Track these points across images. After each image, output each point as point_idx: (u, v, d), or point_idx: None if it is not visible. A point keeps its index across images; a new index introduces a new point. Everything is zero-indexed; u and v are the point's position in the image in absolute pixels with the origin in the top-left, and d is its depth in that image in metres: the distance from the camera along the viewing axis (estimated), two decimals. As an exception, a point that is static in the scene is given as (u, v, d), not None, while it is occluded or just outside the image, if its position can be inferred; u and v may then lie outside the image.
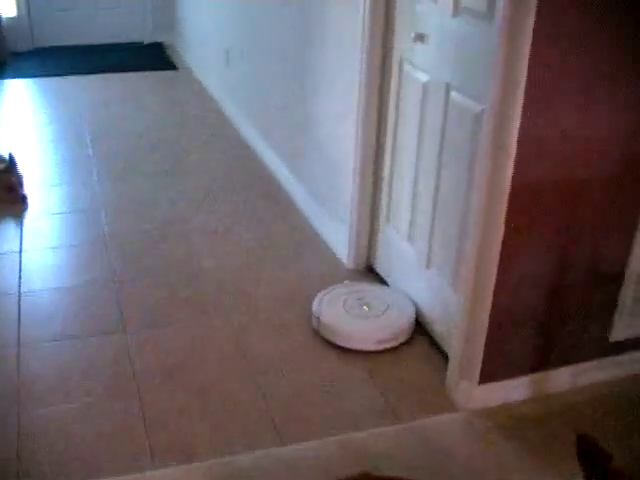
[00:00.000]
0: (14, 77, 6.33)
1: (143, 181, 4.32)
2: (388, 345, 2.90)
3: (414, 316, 3.01)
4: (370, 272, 3.42)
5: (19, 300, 3.16)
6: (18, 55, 6.88)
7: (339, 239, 3.52)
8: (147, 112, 5.52)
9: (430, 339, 2.97)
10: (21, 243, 3.63)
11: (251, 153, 4.75)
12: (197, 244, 3.65)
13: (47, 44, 7.11)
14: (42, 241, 3.67)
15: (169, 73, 6.57)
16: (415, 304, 3.05)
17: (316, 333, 2.98)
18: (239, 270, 3.45)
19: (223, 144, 4.92)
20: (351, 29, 3.16)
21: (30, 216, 3.93)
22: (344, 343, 2.90)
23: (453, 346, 2.66)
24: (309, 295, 3.14)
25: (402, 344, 2.93)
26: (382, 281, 3.32)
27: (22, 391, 2.63)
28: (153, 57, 6.99)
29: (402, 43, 2.95)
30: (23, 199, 4.03)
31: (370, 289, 3.19)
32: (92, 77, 6.38)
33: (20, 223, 3.84)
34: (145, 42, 7.37)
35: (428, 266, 2.95)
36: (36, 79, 6.32)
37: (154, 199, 4.08)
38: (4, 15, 6.76)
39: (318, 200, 3.76)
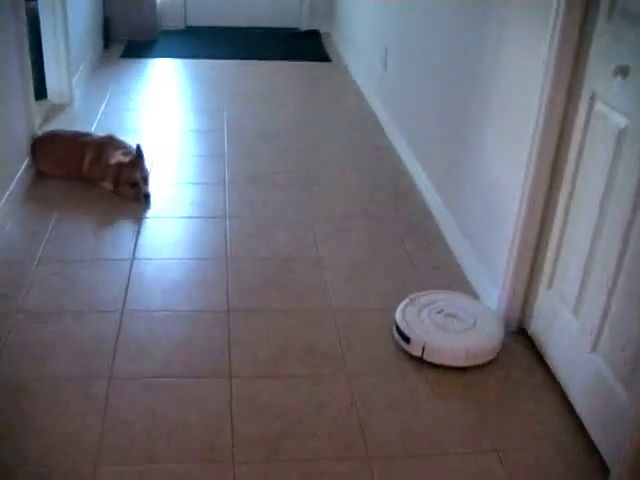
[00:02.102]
0: (162, 56, 6.07)
1: (274, 192, 3.87)
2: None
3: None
4: (521, 335, 2.85)
5: (120, 322, 2.78)
6: (169, 33, 6.64)
7: (490, 291, 2.96)
8: (292, 109, 5.08)
9: (581, 429, 2.36)
10: (134, 250, 3.26)
11: (400, 171, 4.21)
12: (325, 278, 3.15)
13: (199, 24, 6.85)
14: (157, 249, 3.30)
15: (322, 65, 6.12)
16: (567, 387, 2.50)
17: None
18: (373, 313, 2.93)
19: (370, 157, 4.40)
20: (533, 54, 2.57)
21: (150, 218, 3.56)
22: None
23: (619, 461, 2.07)
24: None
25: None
26: (534, 347, 2.76)
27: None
28: (308, 46, 6.57)
29: (596, 77, 2.35)
30: (146, 197, 3.68)
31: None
32: (241, 63, 6.04)
33: (138, 226, 3.48)
34: (301, 29, 6.96)
35: (594, 349, 2.36)
36: (185, 60, 6.03)
37: (283, 216, 3.63)
38: (159, -8, 6.52)
39: (471, 242, 3.20)
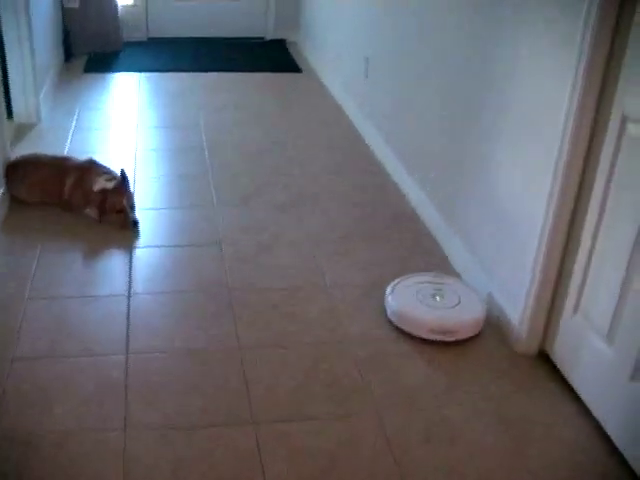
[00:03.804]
0: (127, 70, 5.85)
1: (267, 212, 3.72)
2: None
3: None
4: (542, 358, 2.76)
5: (126, 365, 2.59)
6: (132, 45, 6.41)
7: (507, 315, 2.87)
8: (268, 122, 4.93)
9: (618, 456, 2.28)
10: (129, 284, 3.07)
11: (392, 186, 4.09)
12: (335, 305, 3.01)
13: (162, 35, 6.65)
14: (152, 282, 3.12)
15: (293, 76, 5.98)
16: (602, 415, 2.43)
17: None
18: (387, 343, 2.80)
19: (358, 171, 4.27)
20: (557, 68, 2.47)
21: (140, 248, 3.37)
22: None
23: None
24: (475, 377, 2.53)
25: None
26: (557, 371, 2.67)
27: None
28: (275, 56, 6.41)
29: (628, 96, 2.26)
30: (134, 225, 3.48)
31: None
32: (208, 75, 5.85)
33: (129, 256, 3.29)
34: (267, 38, 6.80)
35: (634, 377, 2.27)
36: (149, 74, 5.82)
37: (280, 239, 3.48)
38: (121, 3, 6.28)
39: (481, 263, 3.09)
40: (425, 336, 2.79)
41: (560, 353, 2.70)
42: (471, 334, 2.84)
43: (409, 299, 2.90)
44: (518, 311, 2.78)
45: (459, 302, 2.90)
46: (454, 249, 3.35)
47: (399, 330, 2.86)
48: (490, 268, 3.02)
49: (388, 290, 2.96)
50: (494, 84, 2.96)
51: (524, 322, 2.77)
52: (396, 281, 3.00)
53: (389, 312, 2.91)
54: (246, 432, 2.34)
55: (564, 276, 2.64)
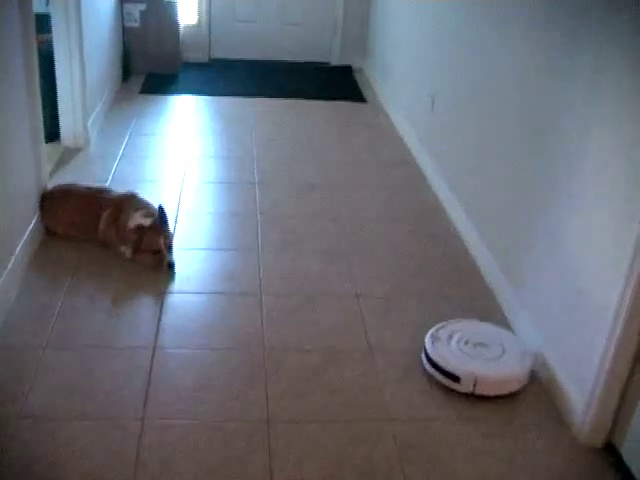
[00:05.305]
0: (184, 93, 5.66)
1: (313, 261, 3.42)
2: None
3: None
4: (608, 451, 2.40)
5: (140, 435, 2.33)
6: (192, 66, 6.23)
7: (570, 397, 2.52)
8: (328, 159, 4.64)
9: None
10: (156, 336, 2.81)
11: (453, 237, 3.75)
12: (380, 376, 2.70)
13: (224, 56, 6.45)
14: (182, 335, 2.85)
15: (357, 106, 5.70)
16: None
17: None
18: (434, 424, 2.48)
19: (417, 217, 3.95)
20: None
21: (173, 293, 3.11)
22: None
23: None
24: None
25: None
26: (624, 466, 2.31)
27: None
28: (340, 83, 6.15)
29: None
30: (170, 267, 3.23)
31: None
32: (268, 101, 5.62)
33: (160, 303, 3.04)
34: (332, 63, 6.55)
35: None
36: (207, 97, 5.61)
37: (325, 293, 3.18)
38: (183, 23, 6.11)
39: (546, 338, 2.73)
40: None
41: (630, 448, 2.34)
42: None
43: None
44: (584, 397, 2.45)
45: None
46: (516, 315, 3.00)
47: (446, 405, 2.54)
48: (554, 343, 2.67)
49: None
50: (568, 136, 2.61)
51: (591, 412, 2.42)
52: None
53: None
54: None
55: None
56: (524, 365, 2.64)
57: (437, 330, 2.77)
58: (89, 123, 4.49)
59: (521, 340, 2.80)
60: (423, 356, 2.70)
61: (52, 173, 3.92)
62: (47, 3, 4.21)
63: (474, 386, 2.56)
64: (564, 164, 2.65)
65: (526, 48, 3.05)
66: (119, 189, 3.54)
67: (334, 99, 5.70)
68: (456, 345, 2.69)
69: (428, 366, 2.67)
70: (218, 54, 6.47)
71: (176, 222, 3.65)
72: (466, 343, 2.70)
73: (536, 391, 2.67)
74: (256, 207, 3.89)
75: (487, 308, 3.13)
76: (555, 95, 2.75)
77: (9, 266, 2.93)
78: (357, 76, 6.36)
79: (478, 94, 3.60)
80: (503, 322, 3.03)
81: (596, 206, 2.43)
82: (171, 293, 3.11)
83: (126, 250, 3.27)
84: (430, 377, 2.66)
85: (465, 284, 3.31)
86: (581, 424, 2.46)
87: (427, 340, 2.72)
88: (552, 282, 2.70)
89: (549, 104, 2.80)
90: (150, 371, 2.62)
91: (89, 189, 3.49)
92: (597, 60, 2.44)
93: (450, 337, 2.73)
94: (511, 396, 2.62)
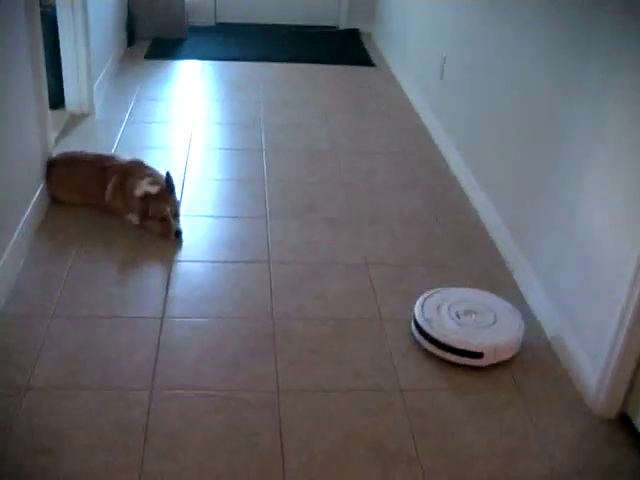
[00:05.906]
0: (190, 57, 5.58)
1: (323, 229, 3.37)
2: None
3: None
4: (622, 422, 2.37)
5: (149, 405, 2.30)
6: (198, 30, 6.14)
7: (584, 369, 2.49)
8: (334, 123, 4.57)
9: None
10: (164, 306, 2.78)
11: (464, 204, 3.69)
12: (390, 346, 2.67)
13: (230, 20, 6.35)
14: (190, 305, 2.82)
15: (366, 70, 5.61)
16: None
17: None
18: (445, 394, 2.44)
19: (428, 185, 3.88)
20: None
21: (181, 261, 3.07)
22: None
23: None
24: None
25: None
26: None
27: None
28: (348, 47, 6.06)
29: None
30: (177, 235, 3.18)
31: None
32: (275, 65, 5.55)
33: (168, 272, 3.00)
34: (340, 27, 6.45)
35: None
36: (213, 62, 5.52)
37: (335, 261, 3.13)
38: (188, -13, 6.02)
39: (557, 305, 2.69)
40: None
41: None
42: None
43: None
44: (598, 369, 2.41)
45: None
46: (528, 284, 2.95)
47: (456, 376, 2.51)
48: (566, 311, 2.62)
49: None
50: (585, 108, 2.54)
51: (605, 384, 2.38)
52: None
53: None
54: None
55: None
56: (521, 326, 2.62)
57: (423, 309, 2.67)
58: (94, 89, 4.42)
59: (504, 301, 2.76)
60: (426, 342, 2.62)
61: (57, 140, 3.87)
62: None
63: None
64: (581, 134, 2.58)
65: (543, 15, 2.96)
66: (125, 156, 3.48)
67: (341, 64, 5.61)
68: (447, 314, 2.63)
69: (440, 351, 2.59)
70: (224, 18, 6.37)
71: (183, 189, 3.60)
72: (458, 315, 2.64)
73: (549, 362, 2.63)
74: (263, 173, 3.83)
75: (500, 279, 3.08)
76: (573, 59, 2.67)
77: (15, 235, 2.90)
78: (365, 40, 6.26)
79: (492, 60, 3.51)
80: (517, 293, 2.98)
81: (613, 179, 2.36)
82: (178, 261, 3.08)
83: (133, 217, 3.23)
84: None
85: (477, 254, 3.26)
86: (595, 395, 2.42)
87: (423, 323, 2.62)
88: (567, 253, 2.65)
89: (567, 70, 2.72)
90: (158, 343, 2.59)
91: (95, 156, 3.44)
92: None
93: (438, 308, 2.67)
94: (523, 367, 2.57)
